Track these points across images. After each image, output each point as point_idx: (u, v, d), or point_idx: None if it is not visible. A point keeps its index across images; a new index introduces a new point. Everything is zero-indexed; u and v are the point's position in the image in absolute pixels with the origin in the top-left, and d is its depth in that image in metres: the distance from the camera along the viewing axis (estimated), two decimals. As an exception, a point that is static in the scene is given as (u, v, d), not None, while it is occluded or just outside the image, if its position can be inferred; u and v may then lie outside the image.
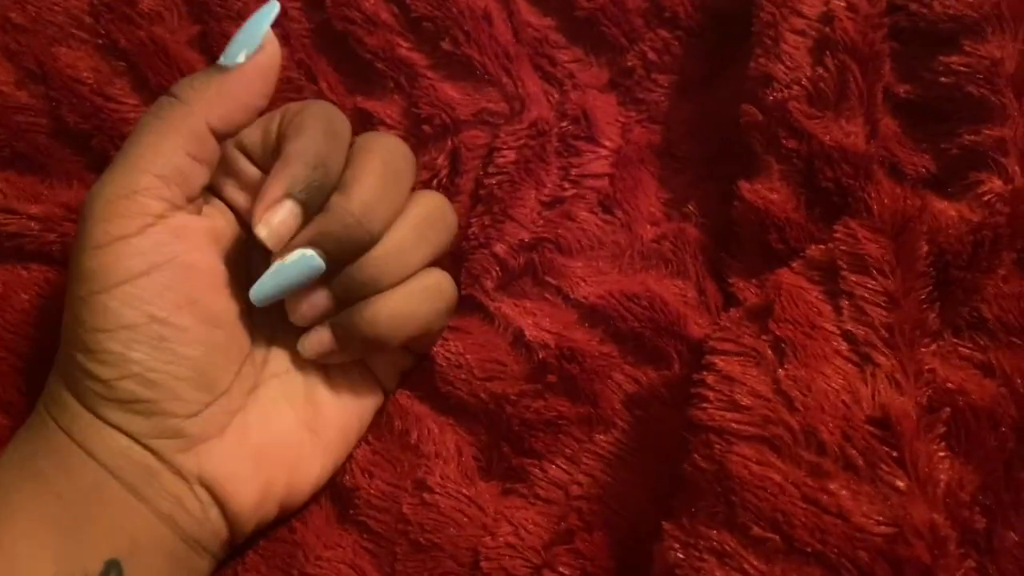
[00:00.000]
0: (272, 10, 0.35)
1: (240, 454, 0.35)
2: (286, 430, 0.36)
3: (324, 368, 0.38)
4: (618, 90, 0.42)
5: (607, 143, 0.41)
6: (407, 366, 0.40)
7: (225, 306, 0.35)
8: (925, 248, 0.32)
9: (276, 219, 0.33)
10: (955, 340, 0.34)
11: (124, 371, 0.32)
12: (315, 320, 0.36)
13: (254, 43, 0.34)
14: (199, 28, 0.42)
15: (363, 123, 0.41)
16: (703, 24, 0.42)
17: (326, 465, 0.37)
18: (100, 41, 0.40)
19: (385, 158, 0.36)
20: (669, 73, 0.42)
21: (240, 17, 0.41)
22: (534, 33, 0.42)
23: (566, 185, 0.40)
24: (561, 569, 0.33)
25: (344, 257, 0.35)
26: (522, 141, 0.40)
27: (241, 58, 0.34)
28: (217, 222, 0.36)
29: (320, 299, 0.36)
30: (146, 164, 0.33)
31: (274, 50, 0.35)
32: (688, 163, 0.41)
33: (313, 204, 0.34)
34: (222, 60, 0.34)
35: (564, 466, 0.36)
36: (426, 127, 0.40)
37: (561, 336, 0.37)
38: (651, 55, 0.41)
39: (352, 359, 0.38)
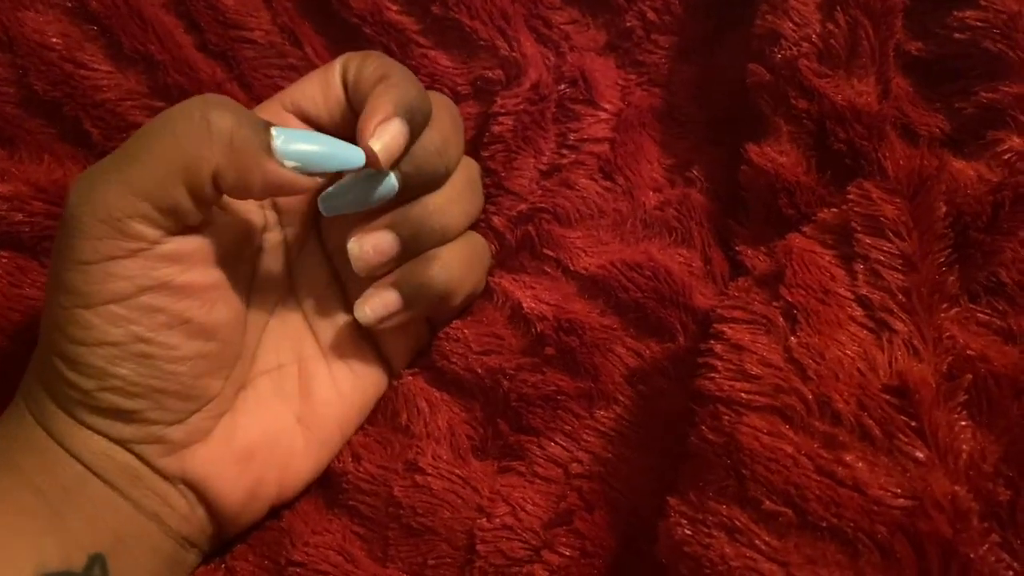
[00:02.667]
0: (359, 160, 0.32)
1: (225, 456, 0.33)
2: (277, 428, 0.35)
3: (325, 359, 0.37)
4: (617, 52, 0.41)
5: (607, 106, 0.39)
6: (423, 343, 0.39)
7: (220, 317, 0.33)
8: (943, 209, 0.30)
9: (388, 134, 0.32)
10: (972, 306, 0.33)
11: (105, 384, 0.31)
12: (377, 268, 0.35)
13: (323, 167, 0.32)
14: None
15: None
16: None
17: (321, 460, 0.36)
18: (69, 4, 0.39)
19: (451, 109, 0.36)
20: (670, 34, 0.40)
21: None
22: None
23: (564, 152, 0.39)
24: (560, 550, 0.32)
25: (416, 189, 0.34)
26: (521, 107, 0.38)
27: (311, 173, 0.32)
28: (218, 232, 0.33)
29: (386, 242, 0.34)
30: (146, 192, 0.30)
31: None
32: (692, 126, 0.39)
33: (415, 128, 0.33)
34: (289, 161, 0.31)
35: (563, 443, 0.34)
36: None
37: (560, 308, 0.36)
38: (651, 15, 0.40)
39: (410, 319, 0.36)
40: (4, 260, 0.38)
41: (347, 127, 0.34)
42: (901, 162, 0.31)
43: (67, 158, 0.38)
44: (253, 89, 0.40)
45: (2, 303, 0.37)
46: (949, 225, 0.31)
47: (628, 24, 0.40)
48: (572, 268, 0.37)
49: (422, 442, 0.35)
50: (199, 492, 0.33)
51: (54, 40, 0.38)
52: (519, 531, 0.33)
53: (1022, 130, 0.32)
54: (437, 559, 0.33)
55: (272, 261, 0.36)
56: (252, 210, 0.35)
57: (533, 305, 0.36)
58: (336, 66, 0.35)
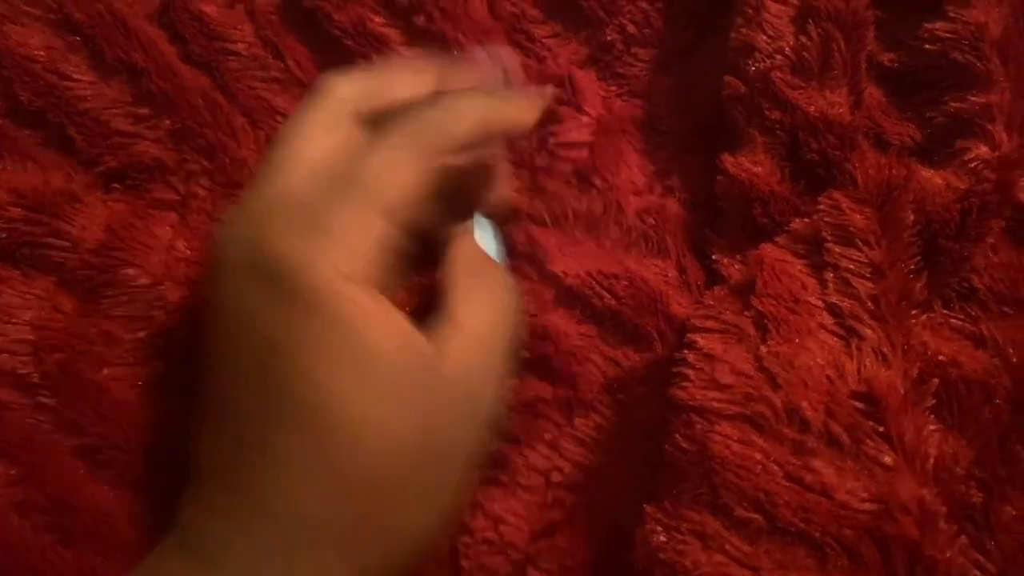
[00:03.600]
0: None
1: None
2: None
3: None
4: (597, 65, 0.41)
5: (589, 110, 0.40)
6: None
7: None
8: (911, 217, 0.31)
9: None
10: (946, 312, 0.34)
11: None
12: None
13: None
14: (159, 1, 0.41)
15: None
16: None
17: None
18: (52, 16, 0.39)
19: None
20: (649, 47, 0.41)
21: None
22: (511, 8, 0.41)
23: (543, 155, 0.40)
24: (543, 565, 0.33)
25: None
26: None
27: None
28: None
29: None
30: None
31: None
32: (671, 136, 0.40)
33: None
34: None
35: (545, 452, 0.35)
36: None
37: (536, 315, 0.36)
38: (631, 28, 0.40)
39: None
40: None
41: None
42: (870, 172, 0.32)
43: (51, 165, 0.39)
44: (237, 99, 0.40)
45: None
46: (918, 233, 0.31)
47: (608, 38, 0.41)
48: (549, 269, 0.37)
49: None
50: None
51: (38, 52, 0.39)
52: (501, 546, 0.33)
53: (988, 139, 0.33)
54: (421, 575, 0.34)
55: None
56: None
57: None
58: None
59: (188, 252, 0.38)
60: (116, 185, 0.39)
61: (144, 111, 0.39)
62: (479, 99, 0.33)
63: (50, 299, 0.37)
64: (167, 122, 0.39)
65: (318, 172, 0.30)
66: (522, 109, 0.34)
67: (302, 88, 0.41)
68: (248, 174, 0.39)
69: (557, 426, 0.35)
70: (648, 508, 0.29)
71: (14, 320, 0.37)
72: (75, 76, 0.39)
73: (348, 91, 0.32)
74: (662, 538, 0.28)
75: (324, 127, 0.31)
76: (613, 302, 0.36)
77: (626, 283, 0.36)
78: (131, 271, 0.37)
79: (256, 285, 0.28)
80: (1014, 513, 0.30)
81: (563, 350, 0.35)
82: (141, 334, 0.37)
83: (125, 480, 0.36)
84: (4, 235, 0.38)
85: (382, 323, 0.28)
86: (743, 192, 0.35)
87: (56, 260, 0.37)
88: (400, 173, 0.30)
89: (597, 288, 0.36)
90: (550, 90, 0.39)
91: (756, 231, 0.35)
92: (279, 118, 0.40)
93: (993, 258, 0.34)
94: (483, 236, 0.36)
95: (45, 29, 0.39)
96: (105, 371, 0.36)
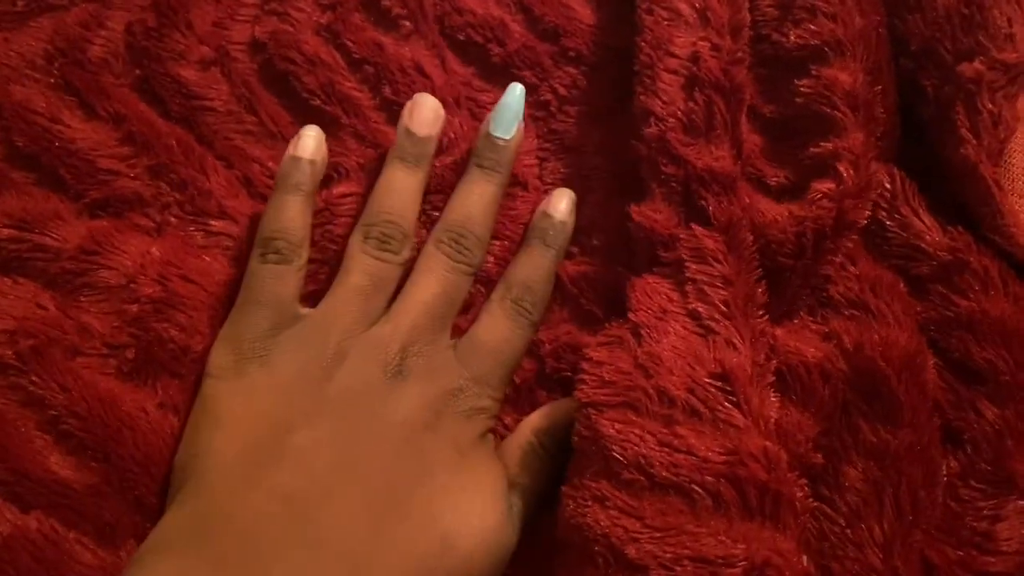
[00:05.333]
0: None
1: None
2: None
3: None
4: (536, 124, 0.47)
5: (531, 184, 0.46)
6: None
7: None
8: (751, 238, 0.38)
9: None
10: (809, 318, 0.40)
11: None
12: None
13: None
14: (140, 72, 0.46)
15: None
16: (604, 59, 0.47)
17: None
18: (53, 80, 0.46)
19: None
20: (579, 104, 0.47)
21: (182, 57, 0.46)
22: (460, 79, 0.47)
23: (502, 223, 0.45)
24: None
25: None
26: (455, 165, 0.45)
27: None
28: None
29: None
30: None
31: None
32: (599, 181, 0.46)
33: None
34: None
35: None
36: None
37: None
38: (561, 90, 0.47)
39: None
40: None
41: None
42: (720, 206, 0.39)
43: (43, 200, 0.44)
44: (214, 146, 0.46)
45: None
46: (758, 251, 0.38)
47: (543, 98, 0.47)
48: None
49: None
50: None
51: (39, 106, 0.45)
52: None
53: (835, 176, 0.39)
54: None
55: None
56: None
57: None
58: None
59: (161, 255, 0.43)
60: (99, 212, 0.44)
61: (126, 151, 0.44)
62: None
63: (33, 298, 0.42)
64: (145, 160, 0.44)
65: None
66: None
67: (275, 140, 0.46)
68: (216, 204, 0.44)
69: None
70: (563, 488, 0.36)
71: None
72: (68, 123, 0.45)
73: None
74: (571, 507, 0.34)
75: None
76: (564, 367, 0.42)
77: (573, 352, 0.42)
78: (107, 273, 0.42)
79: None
80: (857, 473, 0.36)
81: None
82: (115, 325, 0.41)
83: (87, 450, 0.40)
84: None
85: None
86: (647, 236, 0.40)
87: (40, 264, 0.42)
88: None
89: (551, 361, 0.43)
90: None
91: (662, 267, 0.40)
92: (254, 164, 0.46)
93: (852, 270, 0.39)
94: None
95: (46, 90, 0.46)
96: (77, 359, 0.41)
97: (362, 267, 0.40)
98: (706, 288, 0.37)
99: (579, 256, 0.45)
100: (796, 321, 0.40)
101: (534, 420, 0.40)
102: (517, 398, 0.43)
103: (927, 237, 0.40)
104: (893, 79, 0.41)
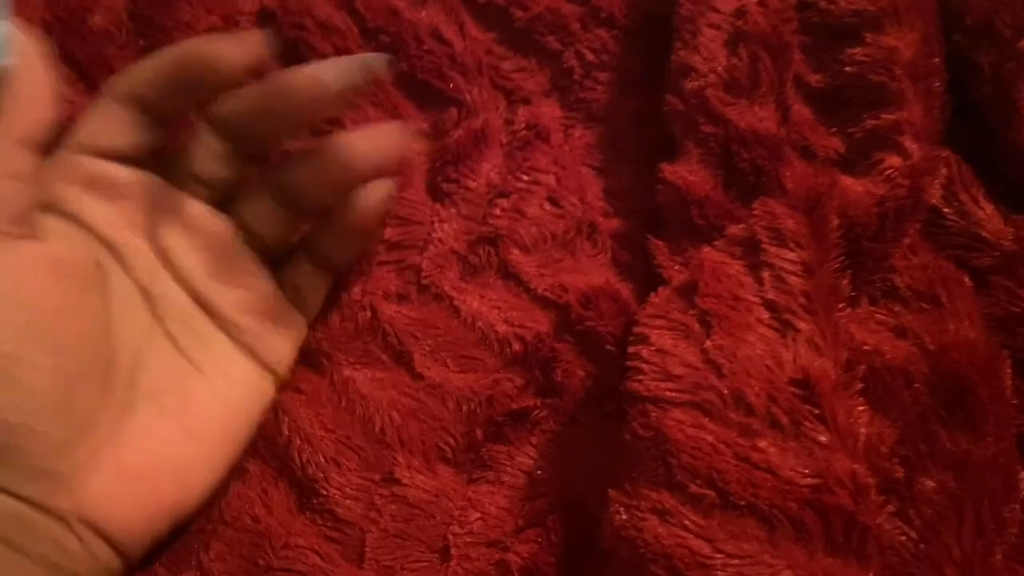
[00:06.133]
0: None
1: (120, 483, 0.33)
2: (167, 445, 0.35)
3: (202, 373, 0.37)
4: (560, 92, 0.44)
5: (553, 141, 0.43)
6: (301, 340, 0.40)
7: (76, 334, 0.33)
8: (836, 221, 0.34)
9: None
10: (872, 308, 0.37)
11: None
12: None
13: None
14: (144, 43, 0.43)
15: (331, 125, 0.43)
16: (638, 24, 0.44)
17: (214, 468, 0.37)
18: (51, 50, 0.41)
19: None
20: (609, 71, 0.44)
21: (189, 27, 0.43)
22: (480, 46, 0.44)
23: (513, 178, 0.42)
24: (529, 544, 0.35)
25: None
26: (473, 133, 0.42)
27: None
28: (57, 248, 0.34)
29: None
30: None
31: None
32: (633, 156, 0.43)
33: None
34: None
35: (532, 454, 0.37)
36: None
37: (527, 328, 0.39)
38: (589, 55, 0.43)
39: None
40: None
41: None
42: (799, 181, 0.35)
43: None
44: None
45: None
46: (842, 235, 0.34)
47: (567, 64, 0.44)
48: (534, 290, 0.40)
49: (397, 452, 0.38)
50: (98, 527, 0.32)
51: None
52: (490, 534, 0.36)
53: (900, 150, 0.36)
54: (414, 562, 0.36)
55: (127, 286, 0.36)
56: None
57: (504, 328, 0.39)
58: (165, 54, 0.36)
59: None
60: None
61: None
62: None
63: None
64: None
65: None
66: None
67: None
68: None
69: (544, 432, 0.37)
70: (612, 492, 0.32)
71: None
72: (70, 97, 0.41)
73: None
74: (624, 517, 0.31)
75: None
76: (593, 322, 0.38)
77: (606, 299, 0.38)
78: None
79: None
80: (933, 485, 0.33)
81: (546, 358, 0.38)
82: None
83: None
84: None
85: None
86: (680, 197, 0.37)
87: None
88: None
89: (578, 309, 0.38)
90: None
91: (695, 233, 0.37)
92: None
93: (913, 260, 0.37)
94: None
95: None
96: None
97: None
98: (785, 276, 0.33)
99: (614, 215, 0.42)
100: (859, 311, 0.36)
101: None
102: (526, 353, 0.39)
103: (988, 226, 0.38)
104: (943, 52, 0.39)
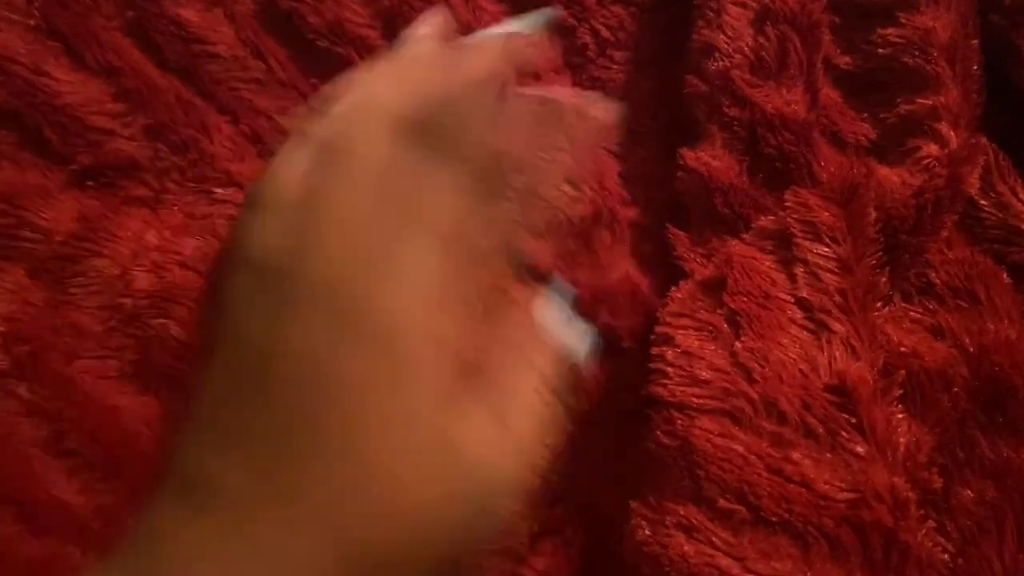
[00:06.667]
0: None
1: None
2: None
3: None
4: (573, 69, 0.42)
5: None
6: None
7: None
8: (874, 215, 0.32)
9: None
10: (905, 305, 0.35)
11: None
12: None
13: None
14: (133, 14, 0.40)
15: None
16: (655, 1, 0.41)
17: None
18: (33, 23, 0.39)
19: None
20: (625, 49, 0.41)
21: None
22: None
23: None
24: (545, 555, 0.34)
25: None
26: None
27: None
28: None
29: None
30: None
31: None
32: (649, 138, 0.40)
33: None
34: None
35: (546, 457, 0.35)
36: None
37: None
38: (604, 32, 0.41)
39: None
40: None
41: None
42: (834, 171, 0.33)
43: (28, 166, 0.39)
44: (216, 99, 0.40)
45: None
46: (879, 229, 0.32)
47: (581, 41, 0.41)
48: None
49: None
50: None
51: (19, 54, 0.38)
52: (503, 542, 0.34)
53: (937, 137, 0.34)
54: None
55: None
56: None
57: None
58: None
59: (157, 241, 0.38)
60: (90, 183, 0.39)
61: (120, 108, 0.39)
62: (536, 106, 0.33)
63: (21, 292, 0.37)
64: (141, 119, 0.39)
65: (367, 187, 0.29)
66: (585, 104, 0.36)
67: (284, 88, 0.41)
68: (222, 169, 0.39)
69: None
70: (633, 504, 0.30)
71: None
72: (55, 75, 0.39)
73: (386, 96, 0.31)
74: (647, 532, 0.29)
75: (365, 138, 0.30)
76: (611, 319, 0.36)
77: (627, 293, 0.36)
78: (100, 261, 0.37)
79: (304, 312, 0.27)
80: (972, 495, 0.31)
81: None
82: (111, 323, 0.37)
83: (93, 469, 0.35)
84: None
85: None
86: (703, 184, 0.35)
87: (27, 248, 0.37)
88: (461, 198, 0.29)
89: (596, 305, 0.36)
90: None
91: (718, 223, 0.35)
92: (262, 118, 0.40)
93: (948, 254, 0.35)
94: (555, 309, 0.34)
95: (25, 34, 0.39)
96: (74, 364, 0.36)
97: None
98: (820, 273, 0.31)
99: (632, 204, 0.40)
100: (892, 308, 0.35)
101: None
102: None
103: None
104: (980, 36, 0.37)
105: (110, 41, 0.39)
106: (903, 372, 0.30)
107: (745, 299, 0.31)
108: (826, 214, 0.32)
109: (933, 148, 0.34)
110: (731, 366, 0.30)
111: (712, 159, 0.36)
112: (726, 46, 0.36)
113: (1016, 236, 0.35)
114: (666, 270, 0.37)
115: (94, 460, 0.35)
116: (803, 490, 0.27)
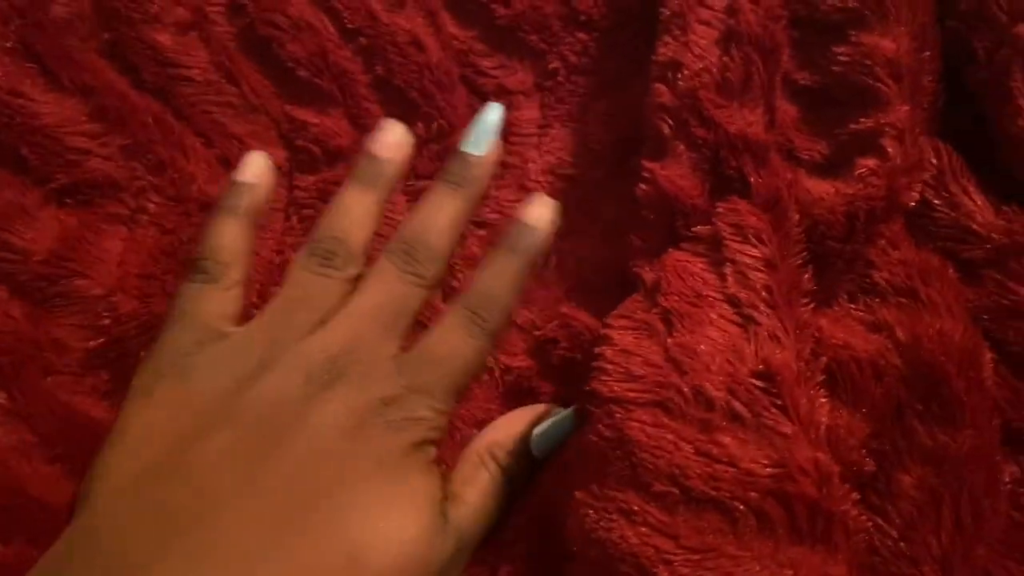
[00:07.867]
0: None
1: None
2: None
3: None
4: (542, 92, 0.44)
5: (528, 159, 0.43)
6: None
7: None
8: (796, 218, 0.34)
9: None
10: (850, 305, 0.36)
11: None
12: None
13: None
14: (109, 36, 0.42)
15: (298, 130, 0.43)
16: (617, 23, 0.43)
17: None
18: (10, 44, 0.41)
19: None
20: (588, 75, 0.43)
21: (157, 20, 0.42)
22: (459, 45, 0.43)
23: (489, 211, 0.43)
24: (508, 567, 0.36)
25: None
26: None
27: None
28: None
29: None
30: None
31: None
32: (604, 153, 0.42)
33: None
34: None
35: None
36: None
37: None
38: (572, 58, 0.43)
39: None
40: None
41: None
42: (762, 179, 0.35)
43: (5, 185, 0.40)
44: (192, 121, 0.42)
45: None
46: (804, 232, 0.34)
47: (552, 65, 0.43)
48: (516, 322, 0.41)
49: None
50: None
51: None
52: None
53: (879, 153, 0.35)
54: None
55: None
56: None
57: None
58: None
59: (139, 267, 0.40)
60: (68, 200, 0.41)
61: (96, 128, 0.40)
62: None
63: (1, 306, 0.39)
64: (118, 139, 0.41)
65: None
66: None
67: (257, 114, 0.42)
68: (198, 189, 0.41)
69: None
70: (578, 494, 0.31)
71: None
72: (32, 95, 0.40)
73: None
74: (592, 518, 0.30)
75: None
76: (564, 352, 0.39)
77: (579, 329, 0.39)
78: (83, 282, 0.39)
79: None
80: (912, 481, 0.32)
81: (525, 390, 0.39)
82: (91, 344, 0.39)
83: (73, 476, 0.37)
84: None
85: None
86: (668, 204, 0.36)
87: (7, 270, 0.39)
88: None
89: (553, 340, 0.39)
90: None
91: (677, 239, 0.36)
92: (234, 142, 0.42)
93: (893, 254, 0.36)
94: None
95: (2, 56, 0.41)
96: (49, 378, 0.38)
97: (298, 280, 0.37)
98: (747, 271, 0.33)
99: (579, 232, 0.42)
100: (836, 308, 0.36)
101: (489, 434, 0.38)
102: (495, 391, 0.40)
103: (978, 217, 0.36)
104: (938, 42, 0.38)
105: (86, 62, 0.41)
106: (825, 358, 0.32)
107: (677, 298, 0.33)
108: (753, 218, 0.34)
109: (871, 161, 0.35)
110: (664, 361, 0.31)
111: (679, 178, 0.36)
112: (693, 64, 0.37)
113: (967, 235, 0.37)
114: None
115: (76, 467, 0.37)
116: (729, 468, 0.29)
